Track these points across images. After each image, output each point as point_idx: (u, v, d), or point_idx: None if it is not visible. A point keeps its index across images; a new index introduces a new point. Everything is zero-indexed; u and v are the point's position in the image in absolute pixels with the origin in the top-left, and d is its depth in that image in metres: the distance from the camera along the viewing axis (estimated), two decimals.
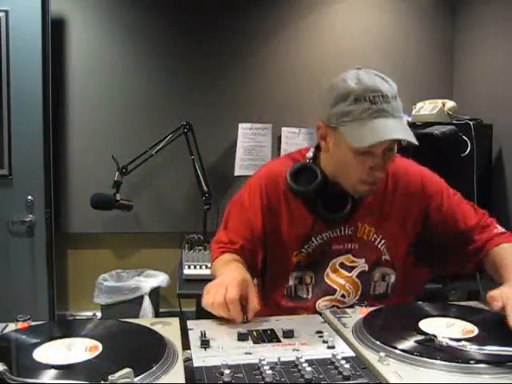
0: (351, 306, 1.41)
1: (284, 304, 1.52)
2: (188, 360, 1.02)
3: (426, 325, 1.15)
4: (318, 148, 1.48)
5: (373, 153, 1.31)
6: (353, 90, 1.29)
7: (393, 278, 1.50)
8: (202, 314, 1.27)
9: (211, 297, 1.19)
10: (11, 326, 1.14)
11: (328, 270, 1.48)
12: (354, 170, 1.35)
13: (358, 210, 1.45)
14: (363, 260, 1.48)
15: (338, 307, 1.44)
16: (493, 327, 1.16)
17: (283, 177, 1.44)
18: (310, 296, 1.49)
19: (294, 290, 1.50)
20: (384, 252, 1.48)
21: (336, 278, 1.48)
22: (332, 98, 1.33)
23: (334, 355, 0.99)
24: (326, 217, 1.41)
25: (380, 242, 1.48)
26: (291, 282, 1.49)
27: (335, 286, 1.48)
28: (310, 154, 1.48)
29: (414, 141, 1.29)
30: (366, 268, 1.48)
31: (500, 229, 1.48)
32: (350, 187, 1.40)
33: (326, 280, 1.48)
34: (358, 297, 1.48)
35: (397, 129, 1.29)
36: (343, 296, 1.48)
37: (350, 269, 1.48)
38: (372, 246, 1.47)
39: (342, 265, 1.48)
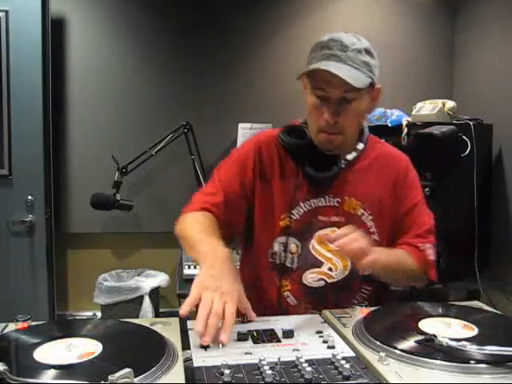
0: (341, 287, 1.44)
1: (267, 276, 1.49)
2: (188, 360, 1.02)
3: (426, 325, 1.15)
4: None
5: (328, 99, 1.37)
6: (321, 41, 1.40)
7: None
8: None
9: (207, 301, 1.10)
10: (11, 326, 1.14)
11: (313, 241, 1.46)
12: (313, 116, 1.42)
13: (345, 182, 1.46)
14: None
15: (326, 281, 1.45)
16: (493, 327, 1.16)
17: (276, 139, 1.48)
18: (295, 266, 1.47)
19: (279, 258, 1.47)
20: (373, 230, 1.47)
21: (322, 251, 1.46)
22: (310, 51, 1.43)
23: (334, 355, 0.99)
24: (311, 174, 1.43)
25: (368, 217, 1.47)
26: (276, 248, 1.47)
27: (322, 259, 1.46)
28: (302, 119, 1.52)
29: (354, 83, 1.32)
30: None
31: (430, 257, 1.49)
32: (315, 139, 1.44)
33: (313, 251, 1.46)
34: (346, 274, 1.46)
35: (340, 68, 1.33)
36: (330, 269, 1.46)
37: None
38: (359, 221, 1.45)
39: (327, 238, 1.42)
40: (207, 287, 1.11)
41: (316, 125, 1.42)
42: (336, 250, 1.40)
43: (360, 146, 1.50)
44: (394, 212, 1.50)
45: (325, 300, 1.44)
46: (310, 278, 1.46)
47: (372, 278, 1.46)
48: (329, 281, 1.46)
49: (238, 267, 1.55)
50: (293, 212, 1.46)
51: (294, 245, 1.46)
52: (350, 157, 1.48)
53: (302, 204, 1.46)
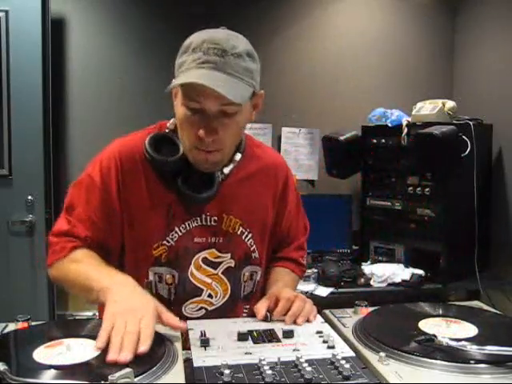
0: (222, 310, 1.35)
1: None
2: (188, 360, 1.02)
3: (426, 325, 1.15)
4: None
5: (204, 112, 1.19)
6: (193, 40, 1.20)
7: (259, 276, 1.43)
8: None
9: (121, 325, 1.00)
10: (11, 326, 1.14)
11: (192, 267, 1.33)
12: (185, 132, 1.24)
13: (222, 198, 1.33)
14: (229, 255, 1.36)
15: (206, 310, 1.36)
16: (493, 327, 1.16)
17: (141, 151, 1.29)
18: (172, 298, 1.33)
19: (155, 288, 1.33)
20: (253, 249, 1.39)
21: (201, 276, 1.34)
22: (179, 51, 1.25)
23: (334, 355, 0.99)
24: (187, 197, 1.28)
25: (247, 236, 1.38)
26: (151, 278, 1.32)
27: (201, 286, 1.34)
28: (170, 125, 1.35)
29: (234, 98, 1.15)
30: (233, 264, 1.36)
31: (302, 260, 1.55)
32: (188, 155, 1.27)
33: (192, 279, 1.33)
34: (227, 297, 1.37)
35: (216, 79, 1.14)
36: (210, 296, 1.35)
37: (216, 265, 1.35)
38: (239, 241, 1.36)
39: (205, 261, 1.34)
40: (117, 313, 1.03)
41: (189, 141, 1.24)
42: (215, 272, 1.36)
43: (237, 156, 1.35)
44: (273, 226, 1.45)
45: None
46: (190, 308, 1.35)
47: (249, 295, 1.42)
48: (209, 308, 1.36)
49: None
50: (167, 239, 1.31)
51: (169, 275, 1.32)
52: (227, 170, 1.33)
53: (177, 229, 1.31)
